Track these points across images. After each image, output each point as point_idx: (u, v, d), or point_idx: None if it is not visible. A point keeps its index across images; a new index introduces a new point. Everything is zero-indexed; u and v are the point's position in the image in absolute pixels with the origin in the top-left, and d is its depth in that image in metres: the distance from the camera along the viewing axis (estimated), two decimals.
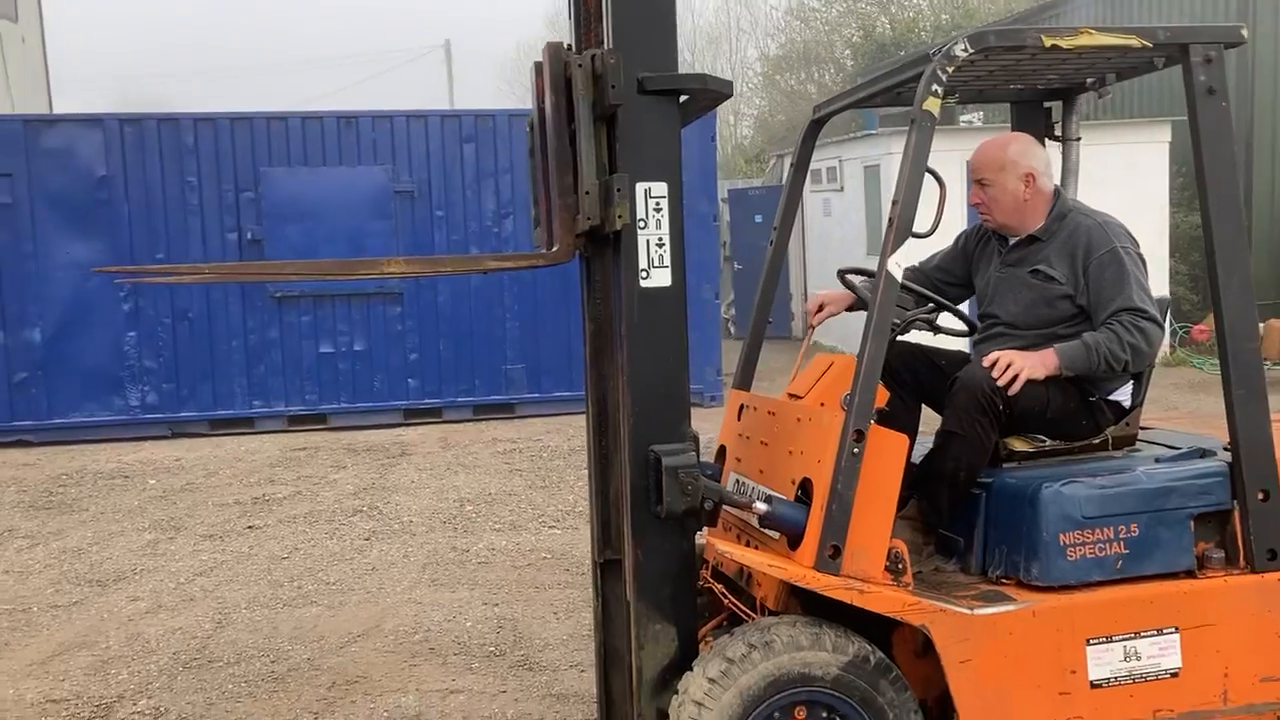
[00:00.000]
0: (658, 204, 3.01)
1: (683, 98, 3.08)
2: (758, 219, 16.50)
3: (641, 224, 3.00)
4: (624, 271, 3.02)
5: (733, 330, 16.69)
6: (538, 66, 3.19)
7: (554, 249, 3.17)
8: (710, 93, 3.11)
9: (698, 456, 3.05)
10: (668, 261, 3.02)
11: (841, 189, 14.73)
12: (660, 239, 3.02)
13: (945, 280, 3.87)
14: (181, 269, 3.19)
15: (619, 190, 2.97)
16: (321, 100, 34.01)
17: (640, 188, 2.99)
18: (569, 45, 3.27)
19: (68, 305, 10.34)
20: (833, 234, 15.11)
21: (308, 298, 10.74)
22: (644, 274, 3.01)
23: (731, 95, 3.23)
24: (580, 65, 3.01)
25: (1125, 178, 11.85)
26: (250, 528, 7.14)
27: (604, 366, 3.36)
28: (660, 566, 3.05)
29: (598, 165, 3.05)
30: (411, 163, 10.86)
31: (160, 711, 4.32)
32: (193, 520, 7.39)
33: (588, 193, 3.02)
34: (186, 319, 10.58)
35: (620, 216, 2.97)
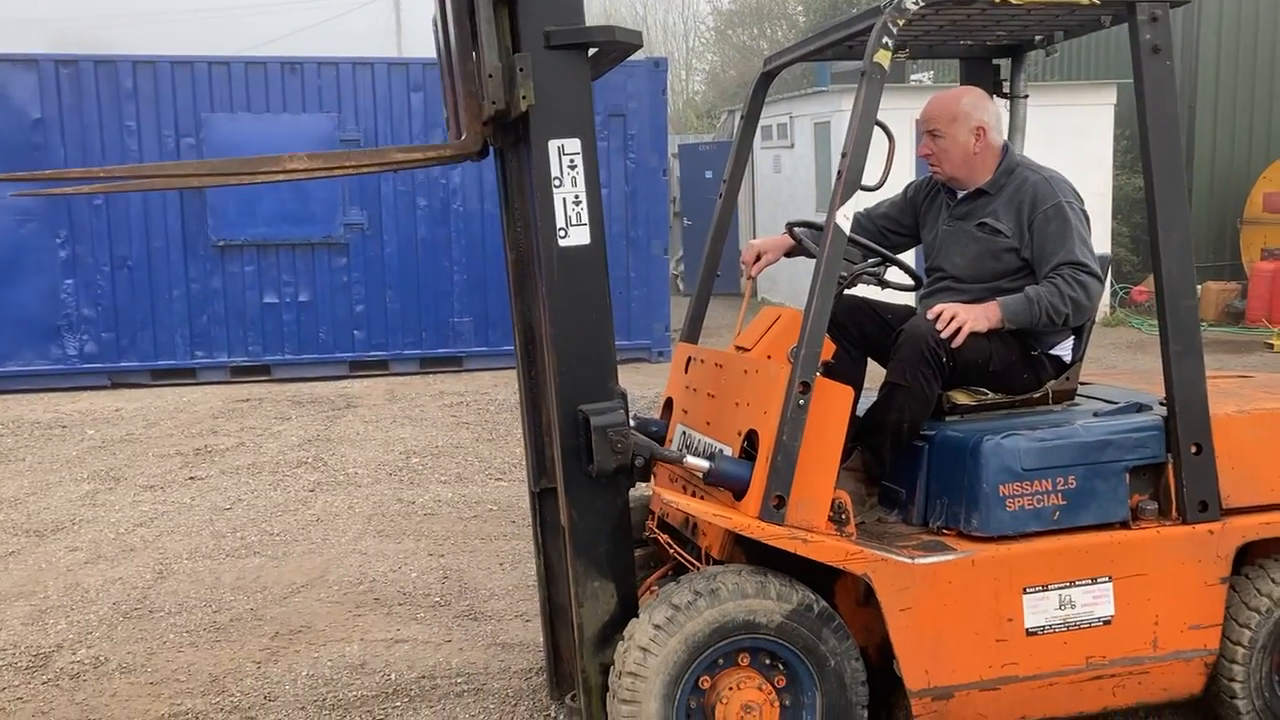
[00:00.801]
0: (572, 161, 2.95)
1: (592, 50, 3.02)
2: (708, 174, 16.47)
3: (557, 182, 2.94)
4: (540, 229, 2.97)
5: (681, 286, 16.70)
6: None
7: (462, 138, 3.12)
8: (620, 44, 3.05)
9: (626, 414, 3.04)
10: (585, 219, 2.97)
11: (792, 145, 14.73)
12: (577, 196, 2.97)
13: (890, 229, 3.89)
14: (72, 173, 3.05)
15: (521, 70, 2.90)
16: (266, 46, 33.16)
17: (553, 145, 2.93)
18: None
19: (2, 251, 10.06)
20: (782, 190, 15.13)
21: (251, 247, 10.56)
22: (562, 233, 2.96)
23: (641, 45, 3.17)
24: None
25: (1070, 139, 11.96)
26: (192, 479, 7.05)
27: (528, 296, 3.35)
28: (595, 525, 3.06)
29: (500, 48, 2.98)
30: (358, 111, 10.68)
31: (100, 661, 4.27)
32: (132, 471, 7.28)
33: (490, 76, 2.96)
34: (126, 267, 10.36)
35: (525, 98, 2.90)
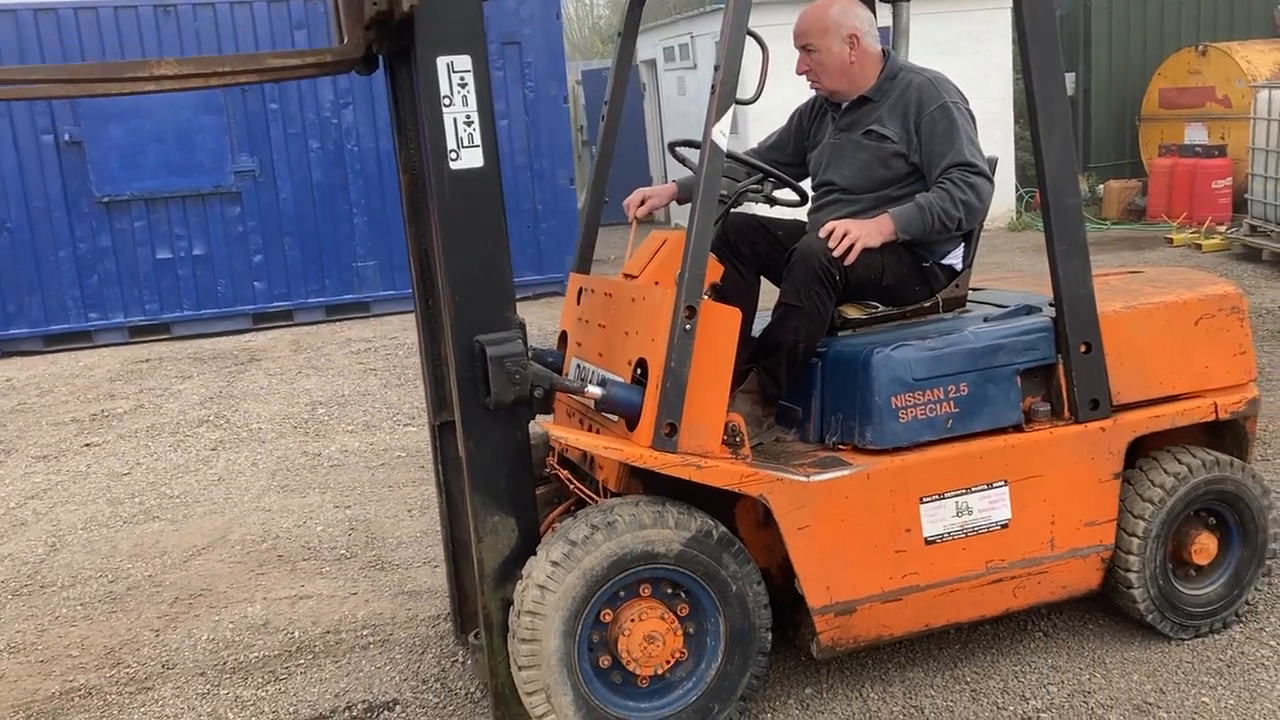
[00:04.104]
0: (462, 79, 2.81)
1: None
2: None
3: (446, 101, 2.80)
4: (431, 151, 2.83)
5: None
6: None
7: (344, 43, 2.97)
8: None
9: (525, 343, 2.94)
10: (478, 140, 2.84)
11: (695, 66, 14.52)
12: (468, 116, 2.83)
13: (779, 160, 3.81)
14: None
15: None
16: None
17: (441, 62, 2.79)
18: None
19: None
20: (688, 113, 14.93)
21: (138, 201, 10.13)
22: (453, 155, 2.83)
23: None
24: None
25: (969, 44, 11.96)
26: (88, 445, 6.80)
27: (422, 222, 3.25)
28: (494, 459, 2.96)
29: None
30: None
31: None
32: (24, 442, 7.00)
33: None
34: (5, 230, 9.88)
35: None
